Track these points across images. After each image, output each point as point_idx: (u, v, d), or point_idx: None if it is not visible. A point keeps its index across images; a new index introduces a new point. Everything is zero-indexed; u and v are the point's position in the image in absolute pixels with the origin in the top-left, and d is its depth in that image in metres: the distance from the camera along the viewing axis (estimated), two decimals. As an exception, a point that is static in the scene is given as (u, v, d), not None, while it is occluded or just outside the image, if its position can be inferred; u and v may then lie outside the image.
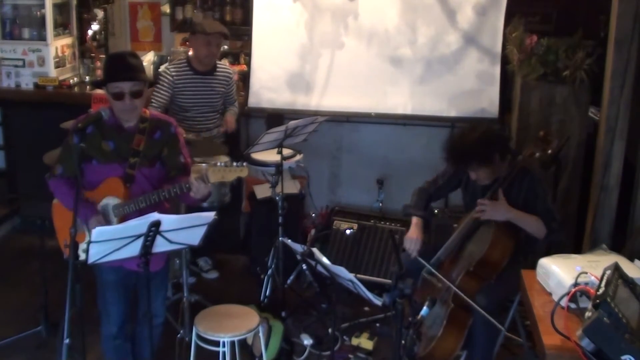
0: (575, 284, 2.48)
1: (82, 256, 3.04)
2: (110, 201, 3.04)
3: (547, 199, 3.39)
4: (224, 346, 3.26)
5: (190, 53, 4.61)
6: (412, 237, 3.55)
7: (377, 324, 4.19)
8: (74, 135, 2.98)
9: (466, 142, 3.33)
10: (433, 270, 3.36)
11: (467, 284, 3.28)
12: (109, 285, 3.12)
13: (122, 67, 2.98)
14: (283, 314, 4.08)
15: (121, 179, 3.03)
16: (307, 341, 3.95)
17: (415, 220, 3.65)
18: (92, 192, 3.05)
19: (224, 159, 4.09)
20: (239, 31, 5.46)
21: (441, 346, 3.25)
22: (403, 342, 2.87)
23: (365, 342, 3.95)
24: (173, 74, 4.47)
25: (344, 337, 4.05)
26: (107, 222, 3.02)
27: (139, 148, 3.05)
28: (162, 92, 4.42)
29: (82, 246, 3.04)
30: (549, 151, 3.50)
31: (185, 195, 2.96)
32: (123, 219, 3.02)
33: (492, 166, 3.36)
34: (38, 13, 5.30)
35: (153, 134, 3.10)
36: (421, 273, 3.45)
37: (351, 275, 2.97)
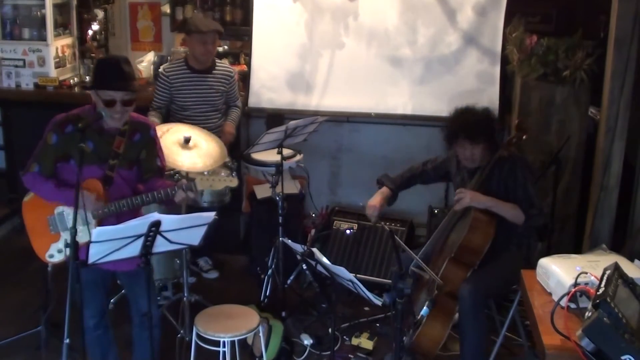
0: (575, 284, 2.48)
1: (57, 257, 3.05)
2: None
3: (528, 184, 3.42)
4: (224, 346, 3.26)
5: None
6: (372, 204, 3.75)
7: (377, 324, 4.19)
8: (53, 134, 2.98)
9: (477, 115, 3.46)
10: (419, 262, 3.36)
11: (452, 272, 3.31)
12: (85, 283, 3.02)
13: (116, 75, 2.97)
14: (283, 314, 4.08)
15: (100, 180, 3.03)
16: (307, 341, 3.95)
17: (382, 189, 3.80)
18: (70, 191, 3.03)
19: (224, 158, 4.09)
20: (239, 31, 5.46)
21: (427, 333, 3.27)
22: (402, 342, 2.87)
23: (365, 342, 3.95)
24: (169, 73, 4.48)
25: (344, 337, 4.05)
26: (86, 220, 2.99)
27: (119, 150, 3.06)
28: (160, 93, 4.46)
29: (57, 246, 3.04)
30: (524, 137, 3.56)
31: (169, 200, 2.98)
32: (101, 221, 3.01)
33: (489, 146, 3.45)
34: (38, 13, 5.30)
35: (133, 136, 3.11)
36: (409, 267, 3.47)
37: (351, 275, 2.97)
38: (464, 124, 3.45)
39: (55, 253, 3.09)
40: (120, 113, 2.99)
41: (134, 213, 2.91)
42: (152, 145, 3.19)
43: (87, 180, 3.00)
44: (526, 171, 3.47)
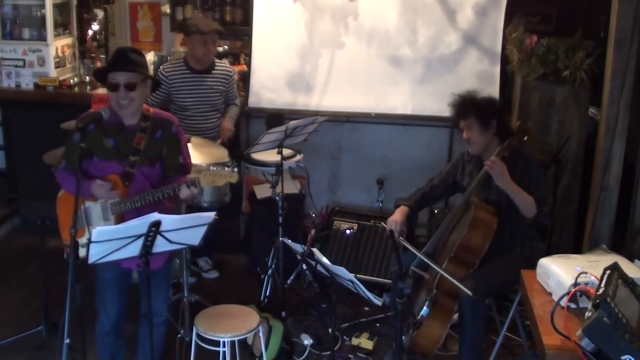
0: (575, 284, 2.48)
1: (82, 252, 3.05)
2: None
3: (540, 183, 3.45)
4: (224, 346, 3.26)
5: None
6: (392, 219, 3.67)
7: (377, 324, 4.19)
8: (76, 132, 2.99)
9: (474, 95, 3.57)
10: (422, 257, 3.37)
11: (451, 271, 3.31)
12: (107, 282, 3.13)
13: (121, 60, 3.01)
14: (283, 314, 4.08)
15: (120, 177, 3.04)
16: (307, 341, 3.95)
17: (400, 207, 3.76)
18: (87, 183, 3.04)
19: (224, 158, 4.09)
20: (239, 31, 5.46)
21: (425, 332, 3.27)
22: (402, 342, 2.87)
23: (365, 342, 3.95)
24: (167, 73, 4.47)
25: (344, 337, 4.05)
26: (106, 216, 3.04)
27: (140, 147, 3.06)
28: (156, 92, 4.41)
29: (82, 241, 3.04)
30: (526, 138, 3.54)
31: (177, 196, 2.98)
32: (120, 216, 3.03)
33: (486, 130, 3.47)
34: (38, 13, 5.30)
35: (154, 133, 3.10)
36: (410, 267, 3.47)
37: (351, 276, 2.97)
38: (453, 104, 3.60)
39: (80, 248, 3.09)
40: (125, 99, 2.98)
41: (155, 208, 2.87)
42: (175, 142, 3.16)
43: (108, 176, 3.03)
44: (540, 170, 3.50)
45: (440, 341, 3.29)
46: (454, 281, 3.17)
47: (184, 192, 2.95)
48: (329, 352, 3.80)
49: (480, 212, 3.38)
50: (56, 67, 5.35)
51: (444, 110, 4.90)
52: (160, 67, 4.73)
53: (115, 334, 3.25)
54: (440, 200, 4.03)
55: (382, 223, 4.50)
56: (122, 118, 3.05)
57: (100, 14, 5.65)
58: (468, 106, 3.52)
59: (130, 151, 3.05)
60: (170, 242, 2.77)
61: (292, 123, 4.06)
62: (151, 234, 2.67)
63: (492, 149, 3.47)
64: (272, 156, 4.26)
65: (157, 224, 2.64)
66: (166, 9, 5.71)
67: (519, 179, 3.43)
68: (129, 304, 3.27)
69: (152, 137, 3.09)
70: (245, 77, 5.20)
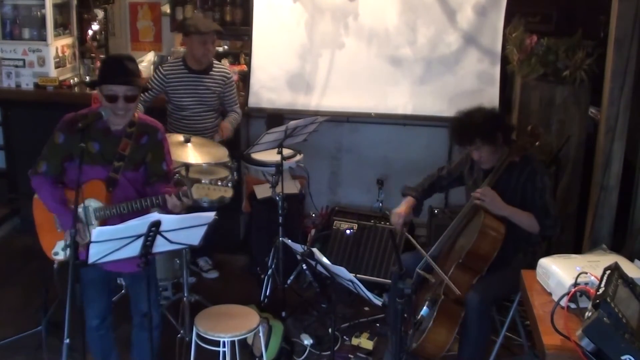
0: (575, 284, 2.48)
1: (60, 255, 3.05)
2: (92, 203, 3.02)
3: (545, 192, 3.40)
4: (224, 346, 3.27)
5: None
6: (397, 212, 3.69)
7: (377, 324, 4.19)
8: (60, 133, 2.98)
9: (472, 118, 3.45)
10: (430, 261, 3.36)
11: (459, 277, 3.30)
12: (89, 282, 3.11)
13: (119, 70, 2.97)
14: (283, 314, 4.08)
15: (104, 182, 3.02)
16: (307, 341, 3.95)
17: (407, 199, 3.76)
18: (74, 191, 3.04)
19: (224, 158, 4.09)
20: (239, 31, 5.46)
21: (432, 339, 3.26)
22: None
23: (365, 342, 3.96)
24: (166, 72, 4.47)
25: (344, 337, 4.05)
26: (87, 226, 3.01)
27: (125, 152, 3.04)
28: (148, 91, 4.39)
29: (62, 244, 3.04)
30: (537, 143, 3.50)
31: (166, 205, 2.97)
32: (104, 222, 3.01)
33: (495, 146, 3.42)
34: (38, 13, 5.30)
35: (140, 139, 3.09)
36: (415, 270, 3.47)
37: (351, 276, 2.97)
38: (453, 131, 3.54)
39: (60, 251, 3.10)
40: (123, 110, 2.97)
41: (139, 214, 2.86)
42: (159, 148, 3.15)
43: (91, 181, 3.00)
44: (545, 178, 3.44)
45: (447, 347, 3.28)
46: (452, 287, 3.17)
47: (171, 202, 2.93)
48: (329, 352, 3.81)
49: (490, 219, 3.33)
50: (56, 67, 5.35)
51: (444, 110, 4.95)
52: (159, 66, 4.73)
53: (104, 328, 3.26)
54: (445, 190, 4.02)
55: (382, 223, 4.54)
56: (110, 124, 3.03)
57: (100, 14, 5.65)
58: (471, 132, 3.42)
59: (115, 157, 3.03)
60: (170, 242, 2.77)
61: (292, 123, 4.06)
62: (151, 234, 2.67)
63: (503, 154, 3.45)
64: (272, 156, 4.26)
65: (157, 224, 2.65)
66: (166, 9, 5.71)
67: (524, 186, 3.40)
68: (124, 306, 3.27)
69: (138, 142, 3.08)
70: (245, 77, 5.20)
